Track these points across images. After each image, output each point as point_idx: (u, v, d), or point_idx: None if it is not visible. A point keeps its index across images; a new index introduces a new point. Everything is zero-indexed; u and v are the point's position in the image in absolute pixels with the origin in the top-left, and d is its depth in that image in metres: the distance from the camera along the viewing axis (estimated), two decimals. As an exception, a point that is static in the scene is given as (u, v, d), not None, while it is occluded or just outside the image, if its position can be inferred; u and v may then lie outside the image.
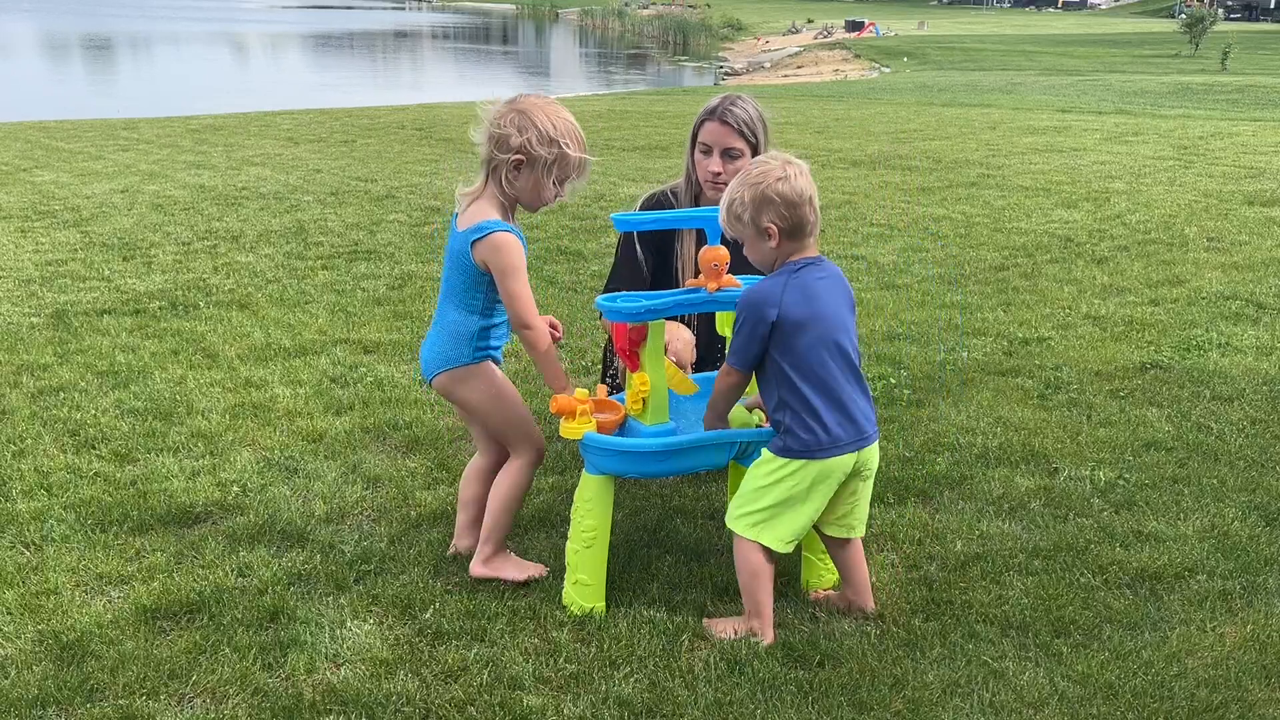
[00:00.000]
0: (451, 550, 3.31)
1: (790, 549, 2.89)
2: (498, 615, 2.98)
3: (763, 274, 2.91)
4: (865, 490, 2.95)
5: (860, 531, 2.98)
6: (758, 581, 2.87)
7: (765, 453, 2.88)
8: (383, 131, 14.20)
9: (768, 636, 2.87)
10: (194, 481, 3.79)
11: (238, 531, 3.43)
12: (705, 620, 2.96)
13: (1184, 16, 37.23)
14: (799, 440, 2.80)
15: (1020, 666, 2.77)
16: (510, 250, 2.98)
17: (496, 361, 3.16)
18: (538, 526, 3.50)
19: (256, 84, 28.85)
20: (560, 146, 2.96)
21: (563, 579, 3.06)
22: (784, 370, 2.80)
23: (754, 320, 2.78)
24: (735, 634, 2.87)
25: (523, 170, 3.00)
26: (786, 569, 3.21)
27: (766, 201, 2.77)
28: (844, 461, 2.83)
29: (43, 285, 6.36)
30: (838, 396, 2.80)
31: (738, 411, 3.11)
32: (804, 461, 2.80)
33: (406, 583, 3.13)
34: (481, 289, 3.05)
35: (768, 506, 2.84)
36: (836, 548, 3.01)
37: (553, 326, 3.17)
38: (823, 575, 3.14)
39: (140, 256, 7.08)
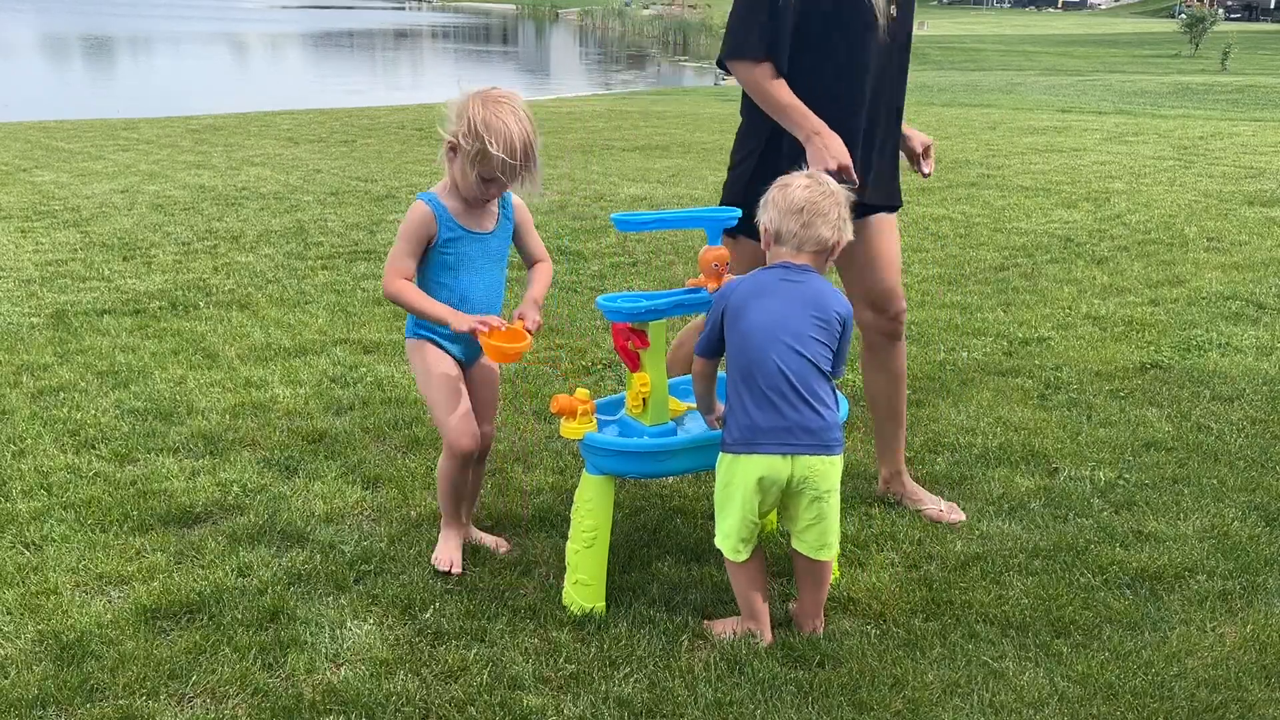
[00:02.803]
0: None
1: (738, 555, 2.82)
2: (498, 615, 2.98)
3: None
4: (827, 511, 2.80)
5: (826, 555, 2.84)
6: (744, 584, 2.88)
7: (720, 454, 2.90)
8: (383, 131, 14.20)
9: (767, 637, 2.87)
10: (194, 481, 3.79)
11: (238, 531, 3.43)
12: (705, 621, 2.96)
13: (1184, 17, 37.20)
14: (729, 433, 2.81)
15: (1020, 666, 2.77)
16: (408, 215, 3.10)
17: (439, 344, 3.18)
18: (538, 526, 3.50)
19: (256, 84, 28.85)
20: (483, 143, 2.95)
21: (563, 579, 3.06)
22: (730, 360, 2.86)
23: (717, 308, 2.88)
24: (734, 634, 2.87)
25: (453, 157, 3.05)
26: (786, 569, 3.21)
27: (769, 202, 2.87)
28: (767, 464, 2.73)
29: (43, 285, 6.36)
30: (769, 397, 2.73)
31: None
32: (733, 457, 2.79)
33: (406, 583, 3.13)
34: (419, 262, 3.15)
35: (720, 510, 2.85)
36: (798, 561, 2.91)
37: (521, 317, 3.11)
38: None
39: (140, 256, 7.08)
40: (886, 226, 3.52)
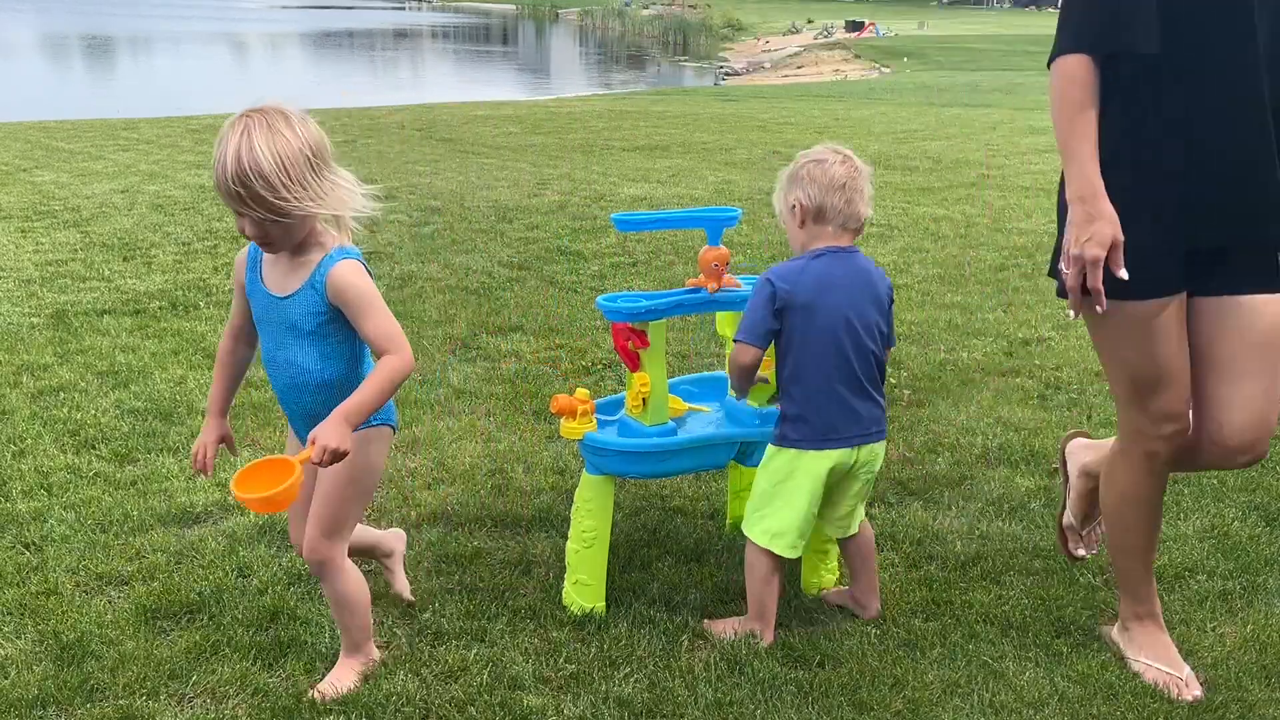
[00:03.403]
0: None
1: (793, 552, 2.85)
2: (498, 615, 2.98)
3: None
4: (866, 491, 2.95)
5: (854, 529, 2.96)
6: (767, 586, 2.85)
7: (770, 450, 2.87)
8: (383, 131, 14.20)
9: (767, 638, 2.87)
10: (194, 481, 3.79)
11: (238, 531, 3.43)
12: (705, 621, 2.95)
13: (1184, 17, 37.19)
14: (796, 429, 2.79)
15: (1020, 666, 2.77)
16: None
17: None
18: (538, 526, 3.50)
19: (257, 84, 28.85)
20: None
21: (563, 579, 3.06)
22: (789, 356, 2.79)
23: (765, 294, 2.76)
24: (735, 634, 2.87)
25: None
26: (786, 569, 3.21)
27: (796, 180, 2.80)
28: (840, 455, 2.80)
29: (43, 285, 6.36)
30: (838, 389, 2.77)
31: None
32: (798, 452, 2.79)
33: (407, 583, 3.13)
34: None
35: (773, 506, 2.82)
36: (845, 545, 3.01)
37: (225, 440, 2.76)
38: (823, 575, 3.14)
39: (140, 256, 7.08)
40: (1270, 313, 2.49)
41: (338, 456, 2.30)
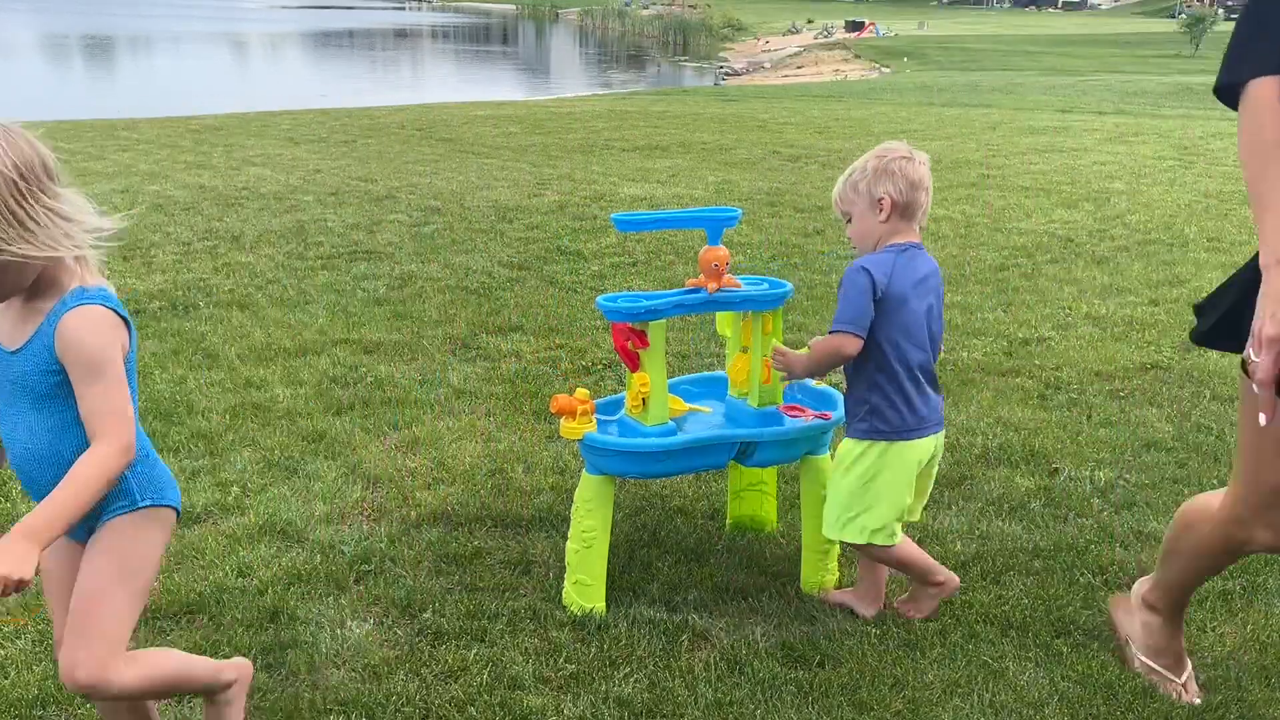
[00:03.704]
0: None
1: (895, 539, 2.88)
2: (498, 615, 2.98)
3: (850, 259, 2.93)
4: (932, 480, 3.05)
5: (919, 515, 3.07)
6: (907, 556, 2.93)
7: (847, 444, 2.88)
8: (383, 131, 14.20)
9: (953, 580, 2.98)
10: (194, 481, 3.79)
11: (238, 531, 3.43)
12: (898, 605, 3.00)
13: (1184, 17, 37.22)
14: (887, 421, 2.82)
15: (1020, 666, 2.77)
16: None
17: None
18: (538, 526, 3.50)
19: (257, 84, 28.85)
20: None
21: (563, 579, 3.06)
22: (883, 349, 2.81)
23: (863, 284, 2.74)
24: (929, 609, 2.97)
25: None
26: (786, 569, 3.22)
27: (887, 174, 2.79)
28: (925, 445, 2.88)
29: (43, 285, 6.35)
30: (922, 381, 2.85)
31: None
32: (888, 444, 2.83)
33: (406, 583, 3.13)
34: None
35: (866, 503, 2.85)
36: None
37: None
38: (823, 576, 3.14)
39: (140, 256, 7.08)
40: None
41: (17, 586, 1.80)
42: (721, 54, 47.47)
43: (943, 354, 5.14)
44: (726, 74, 38.06)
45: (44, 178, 1.90)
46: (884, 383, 2.81)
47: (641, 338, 2.91)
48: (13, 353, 2.00)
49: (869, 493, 2.85)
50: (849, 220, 2.87)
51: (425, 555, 3.29)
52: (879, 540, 2.87)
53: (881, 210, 2.79)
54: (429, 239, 7.65)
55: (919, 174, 2.80)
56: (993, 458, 4.04)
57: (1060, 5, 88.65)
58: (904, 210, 2.80)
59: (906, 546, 2.94)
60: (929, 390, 2.87)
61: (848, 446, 2.88)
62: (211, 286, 6.34)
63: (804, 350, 2.97)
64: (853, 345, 2.76)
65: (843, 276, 2.82)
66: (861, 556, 3.02)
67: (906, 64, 32.98)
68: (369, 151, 12.23)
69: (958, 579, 3.01)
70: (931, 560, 2.99)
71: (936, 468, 3.01)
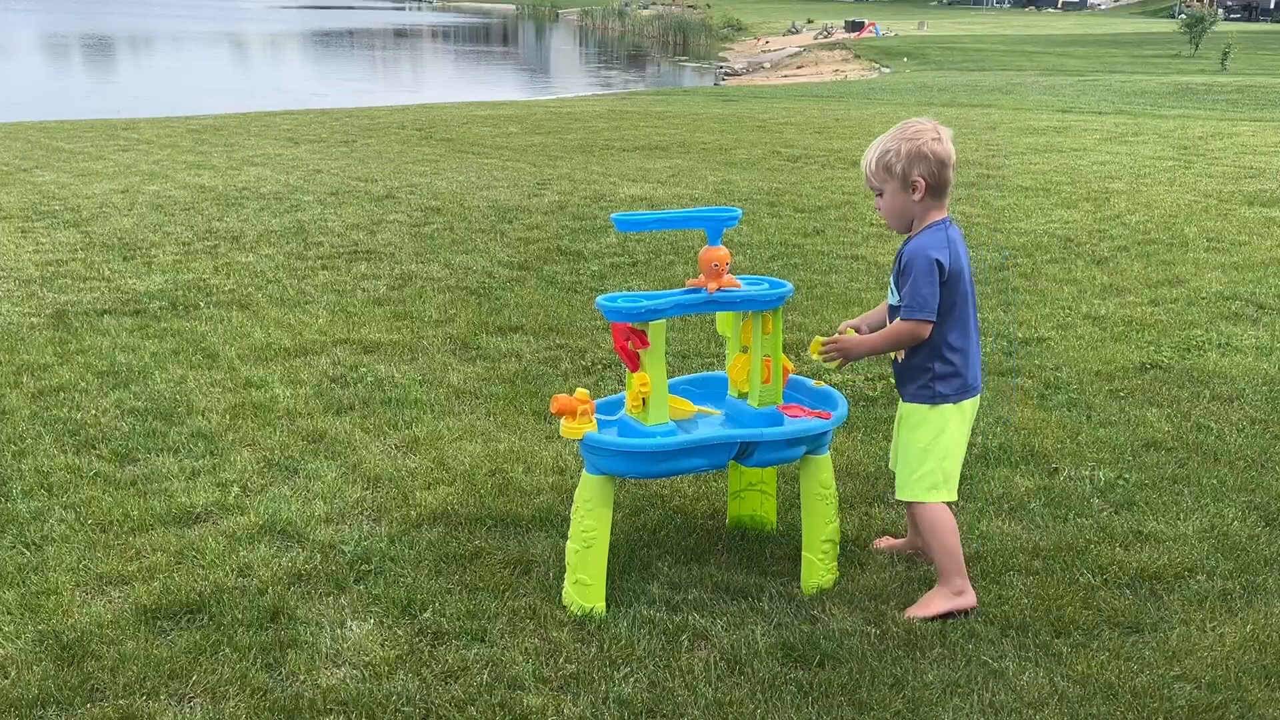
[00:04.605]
0: None
1: (955, 494, 3.05)
2: (498, 615, 2.98)
3: (898, 235, 3.06)
4: None
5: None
6: (955, 536, 3.03)
7: (918, 410, 3.02)
8: (383, 131, 14.20)
9: (970, 595, 3.02)
10: (194, 481, 3.79)
11: (238, 531, 3.43)
12: (907, 613, 2.99)
13: (1184, 17, 37.19)
14: (951, 385, 3.00)
15: (1020, 666, 2.77)
16: None
17: None
18: (538, 526, 3.50)
19: (256, 84, 28.85)
20: None
21: (563, 579, 3.06)
22: (945, 318, 2.94)
23: (933, 271, 2.89)
24: (946, 607, 2.99)
25: None
26: (786, 569, 3.22)
27: (920, 156, 2.90)
28: (976, 403, 3.08)
29: (43, 285, 6.36)
30: (973, 343, 3.04)
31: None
32: (956, 404, 3.01)
33: (406, 583, 3.13)
34: None
35: (938, 461, 3.01)
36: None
37: None
38: (823, 576, 3.14)
39: (140, 256, 7.08)
40: None
41: None
42: (721, 54, 47.45)
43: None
44: (726, 74, 38.03)
45: None
46: (947, 352, 2.97)
47: (641, 338, 2.92)
48: None
49: (931, 452, 3.01)
50: (880, 195, 3.00)
51: (425, 555, 3.29)
52: (945, 494, 3.02)
53: (916, 191, 2.92)
54: (429, 239, 7.65)
55: (948, 151, 2.92)
56: (993, 458, 4.04)
57: (1060, 5, 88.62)
58: (936, 190, 2.93)
59: (955, 525, 3.05)
60: (976, 355, 3.05)
61: (916, 412, 3.03)
62: (211, 286, 6.34)
63: (849, 334, 3.12)
64: (928, 329, 2.95)
65: (910, 261, 2.93)
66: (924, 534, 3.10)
67: (906, 64, 32.97)
68: (369, 151, 12.23)
69: (975, 600, 3.04)
70: (963, 565, 3.05)
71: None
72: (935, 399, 3.01)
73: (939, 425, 3.01)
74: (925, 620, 2.95)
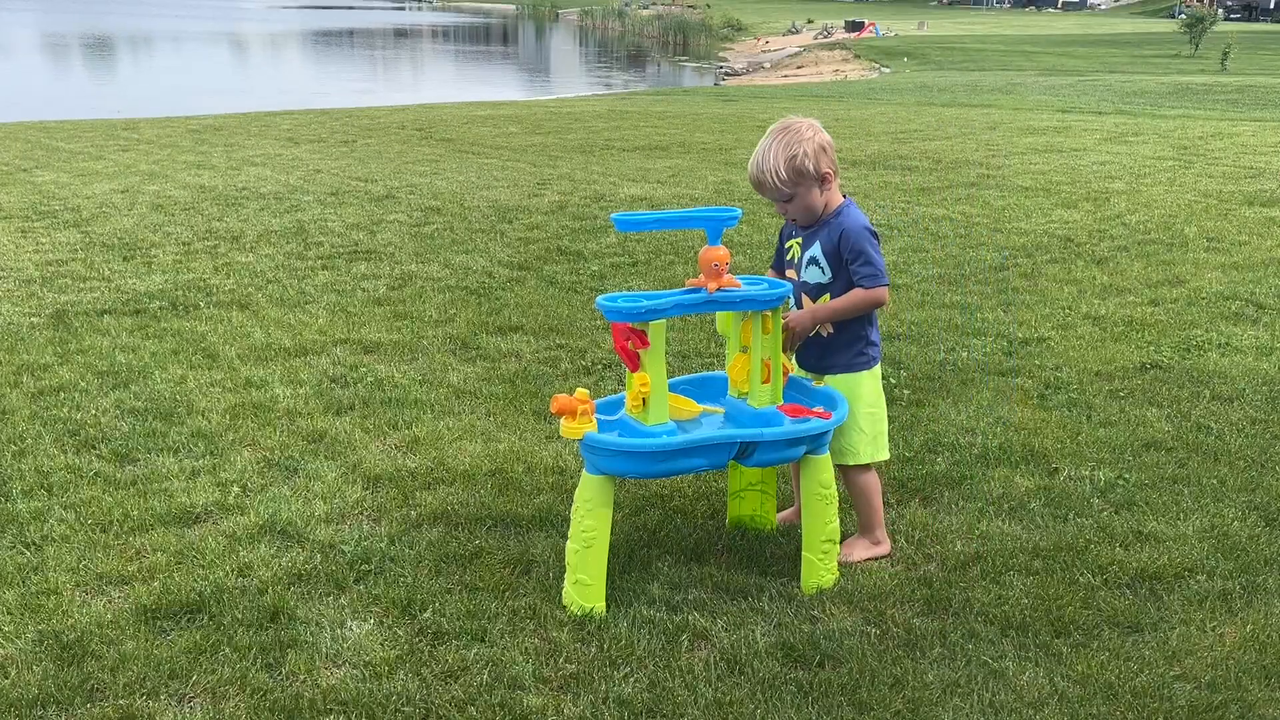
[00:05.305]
0: None
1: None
2: (498, 615, 2.98)
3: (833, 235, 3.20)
4: None
5: None
6: (879, 496, 3.34)
7: (856, 378, 3.24)
8: (383, 131, 14.20)
9: (886, 544, 3.33)
10: (194, 481, 3.79)
11: (238, 531, 3.43)
12: (840, 557, 3.22)
13: (1184, 17, 37.19)
14: (877, 349, 3.29)
15: (1020, 666, 2.77)
16: None
17: None
18: (538, 526, 3.50)
19: (256, 83, 28.85)
20: None
21: (563, 579, 3.06)
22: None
23: (875, 237, 3.16)
24: (867, 554, 3.29)
25: None
26: (786, 569, 3.22)
27: (822, 149, 3.12)
28: None
29: (43, 285, 6.36)
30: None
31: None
32: (879, 368, 3.29)
33: (406, 583, 3.13)
34: None
35: (883, 421, 3.30)
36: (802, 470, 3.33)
37: None
38: (823, 576, 3.14)
39: (140, 256, 7.08)
40: None
41: None
42: (721, 54, 47.45)
43: (943, 354, 5.18)
44: (726, 74, 38.03)
45: None
46: (874, 316, 3.26)
47: (641, 338, 2.92)
48: None
49: (876, 414, 3.27)
50: (789, 200, 3.14)
51: (425, 555, 3.29)
52: (884, 453, 3.32)
53: (827, 182, 3.14)
54: (429, 239, 7.65)
55: (829, 138, 3.17)
56: (993, 458, 4.04)
57: (1060, 5, 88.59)
58: (836, 175, 3.18)
59: (880, 488, 3.37)
60: None
61: (860, 380, 3.23)
62: (211, 286, 6.34)
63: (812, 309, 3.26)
64: (886, 294, 3.18)
65: (855, 237, 3.13)
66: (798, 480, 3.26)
67: (906, 64, 32.97)
68: (369, 151, 12.24)
69: (890, 548, 3.33)
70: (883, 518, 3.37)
71: None
72: (870, 363, 3.26)
73: (875, 387, 3.27)
74: (850, 564, 3.24)
